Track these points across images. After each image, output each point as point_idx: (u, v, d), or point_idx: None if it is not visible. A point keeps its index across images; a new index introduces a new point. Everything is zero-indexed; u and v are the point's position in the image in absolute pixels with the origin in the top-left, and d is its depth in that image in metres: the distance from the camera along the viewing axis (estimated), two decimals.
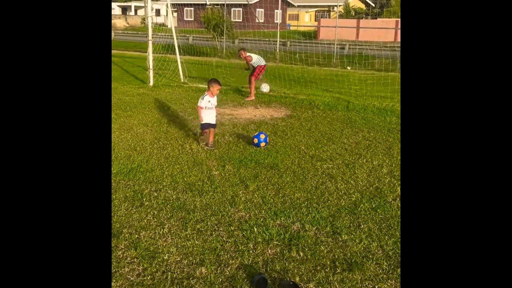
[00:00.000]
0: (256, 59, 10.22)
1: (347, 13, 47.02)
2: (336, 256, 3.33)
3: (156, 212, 4.00)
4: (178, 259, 3.26)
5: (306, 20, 54.84)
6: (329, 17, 49.45)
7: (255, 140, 6.08)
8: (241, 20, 35.10)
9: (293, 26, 44.24)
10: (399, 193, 4.55)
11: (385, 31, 29.43)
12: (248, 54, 10.30)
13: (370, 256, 3.34)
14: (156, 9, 54.25)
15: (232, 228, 3.72)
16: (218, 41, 21.32)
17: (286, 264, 3.21)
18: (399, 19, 32.40)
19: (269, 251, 3.40)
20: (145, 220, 3.84)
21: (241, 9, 41.21)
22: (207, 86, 6.14)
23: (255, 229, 3.70)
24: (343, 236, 3.63)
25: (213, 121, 6.18)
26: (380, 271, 3.16)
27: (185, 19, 46.35)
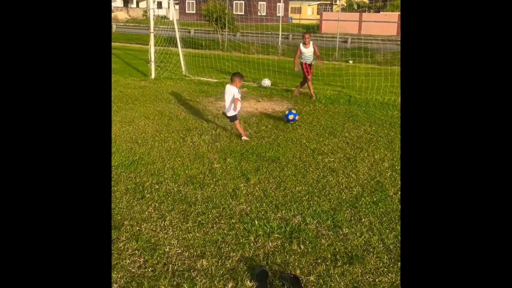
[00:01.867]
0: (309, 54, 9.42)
1: (350, 6, 46.81)
2: (337, 250, 3.34)
3: (157, 204, 4.01)
4: (179, 251, 3.27)
5: (309, 13, 54.63)
6: (331, 11, 49.24)
7: (290, 117, 6.91)
8: (243, 13, 34.94)
9: (295, 19, 44.08)
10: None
11: (388, 24, 29.31)
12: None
13: (371, 250, 3.35)
14: (158, 2, 54.06)
15: (233, 221, 3.73)
16: (220, 34, 21.25)
17: (287, 257, 3.22)
18: None
19: (270, 244, 3.40)
20: (146, 213, 3.85)
21: (243, 2, 41.02)
22: (231, 79, 6.18)
23: (256, 222, 3.70)
24: (344, 230, 3.64)
25: None
26: (381, 264, 3.17)
27: (186, 11, 46.19)
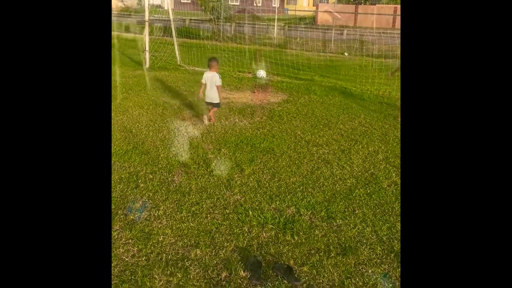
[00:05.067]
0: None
1: None
2: (331, 241, 3.36)
3: (151, 194, 4.00)
4: (173, 240, 3.27)
5: (304, 5, 54.37)
6: (327, 2, 49.04)
7: None
8: (238, 3, 34.74)
9: (291, 10, 43.85)
10: (394, 179, 4.57)
11: (384, 17, 29.24)
12: None
13: (364, 241, 3.37)
14: None
15: (227, 211, 3.73)
16: (215, 24, 21.10)
17: (281, 248, 3.23)
18: (398, 6, 32.16)
19: (264, 234, 3.41)
20: (140, 202, 3.84)
21: None
22: (210, 65, 6.19)
23: (250, 212, 3.71)
24: (337, 221, 3.65)
25: None
26: (374, 255, 3.19)
27: (182, 1, 45.79)
